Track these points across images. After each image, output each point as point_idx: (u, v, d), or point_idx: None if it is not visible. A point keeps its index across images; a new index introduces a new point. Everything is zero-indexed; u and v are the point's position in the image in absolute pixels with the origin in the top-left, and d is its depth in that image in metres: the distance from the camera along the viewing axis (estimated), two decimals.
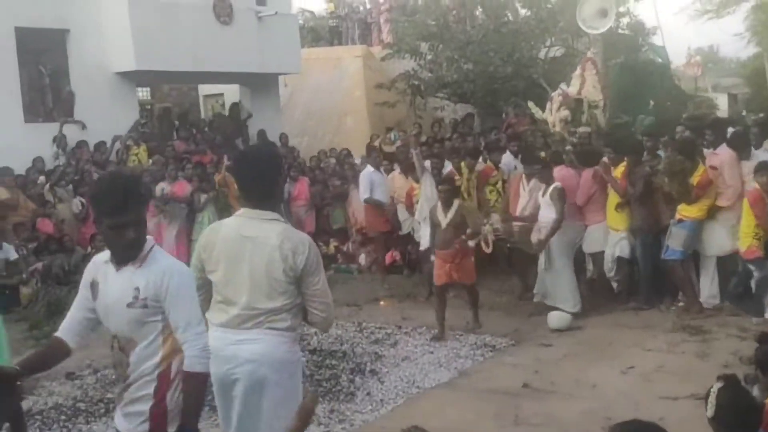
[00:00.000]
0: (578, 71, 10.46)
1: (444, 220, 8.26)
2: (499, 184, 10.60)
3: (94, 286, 3.47)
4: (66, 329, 3.53)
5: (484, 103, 16.25)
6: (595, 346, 7.65)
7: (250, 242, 3.71)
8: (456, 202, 8.33)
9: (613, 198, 8.94)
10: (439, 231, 8.36)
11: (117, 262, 3.43)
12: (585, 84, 10.14)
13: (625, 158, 8.92)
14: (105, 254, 3.52)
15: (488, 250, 8.99)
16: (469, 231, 8.25)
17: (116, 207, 3.29)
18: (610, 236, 8.99)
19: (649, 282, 8.87)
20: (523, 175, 9.15)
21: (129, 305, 3.37)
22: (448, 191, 8.35)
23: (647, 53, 16.75)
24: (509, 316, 8.97)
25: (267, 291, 3.70)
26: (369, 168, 11.24)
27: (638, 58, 15.91)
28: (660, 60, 15.95)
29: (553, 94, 10.21)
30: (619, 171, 8.95)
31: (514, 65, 15.14)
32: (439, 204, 8.40)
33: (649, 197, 8.76)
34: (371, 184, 10.97)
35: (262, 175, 3.78)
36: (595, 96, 10.04)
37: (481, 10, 17.11)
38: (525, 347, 7.85)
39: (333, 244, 12.61)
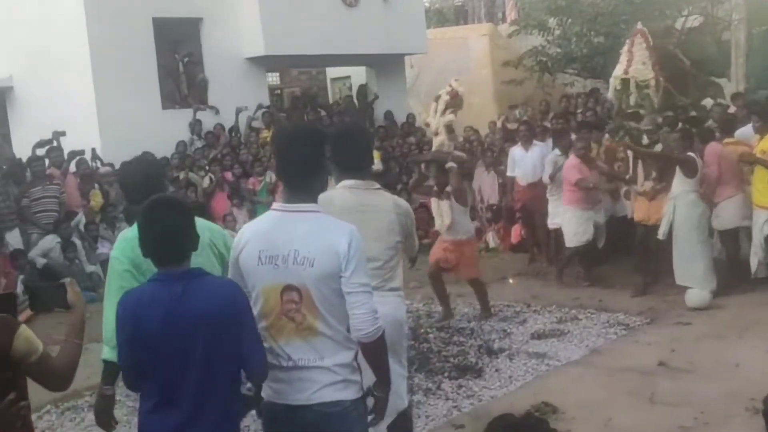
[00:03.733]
0: (626, 47, 9.07)
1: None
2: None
3: None
4: None
5: None
6: (738, 325, 7.23)
7: (369, 209, 4.01)
8: None
9: (762, 173, 8.35)
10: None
11: None
12: (633, 61, 8.82)
13: None
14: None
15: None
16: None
17: None
18: (756, 215, 8.41)
19: None
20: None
21: None
22: None
23: None
24: (643, 294, 8.61)
25: (388, 251, 4.11)
26: (516, 145, 11.04)
27: None
28: None
29: (440, 92, 8.24)
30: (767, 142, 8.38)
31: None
32: None
33: None
34: (512, 161, 10.80)
35: (365, 148, 4.19)
36: (645, 74, 8.78)
37: None
38: (660, 326, 7.52)
39: None
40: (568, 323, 7.83)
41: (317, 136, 3.32)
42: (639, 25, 9.20)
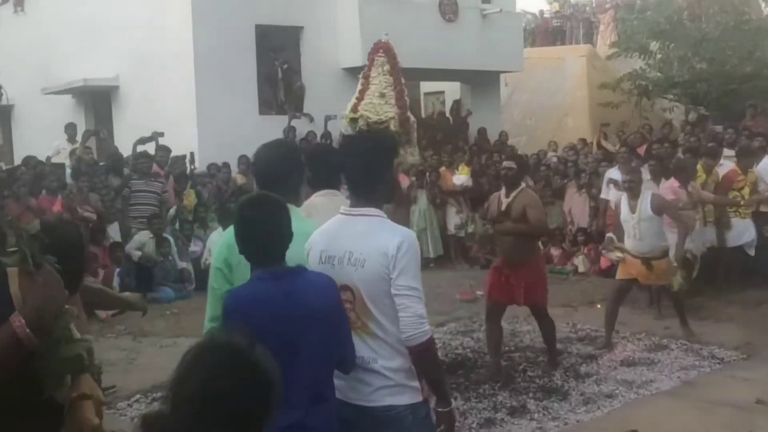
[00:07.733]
0: (363, 72, 6.47)
1: None
2: (745, 190, 9.79)
3: None
4: None
5: (718, 105, 15.24)
6: None
7: None
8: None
9: None
10: None
11: None
12: (366, 93, 6.08)
13: None
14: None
15: None
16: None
17: None
18: None
19: None
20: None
21: None
22: None
23: None
24: (741, 328, 8.29)
25: None
26: (614, 167, 10.83)
27: None
28: None
29: None
30: None
31: (755, 64, 14.10)
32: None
33: None
34: (607, 183, 10.60)
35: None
36: (382, 111, 5.94)
37: (717, 7, 16.08)
38: (759, 362, 7.19)
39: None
40: (659, 352, 7.58)
41: (382, 142, 3.34)
42: (384, 38, 6.27)
